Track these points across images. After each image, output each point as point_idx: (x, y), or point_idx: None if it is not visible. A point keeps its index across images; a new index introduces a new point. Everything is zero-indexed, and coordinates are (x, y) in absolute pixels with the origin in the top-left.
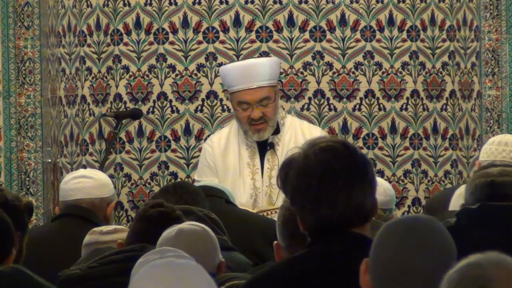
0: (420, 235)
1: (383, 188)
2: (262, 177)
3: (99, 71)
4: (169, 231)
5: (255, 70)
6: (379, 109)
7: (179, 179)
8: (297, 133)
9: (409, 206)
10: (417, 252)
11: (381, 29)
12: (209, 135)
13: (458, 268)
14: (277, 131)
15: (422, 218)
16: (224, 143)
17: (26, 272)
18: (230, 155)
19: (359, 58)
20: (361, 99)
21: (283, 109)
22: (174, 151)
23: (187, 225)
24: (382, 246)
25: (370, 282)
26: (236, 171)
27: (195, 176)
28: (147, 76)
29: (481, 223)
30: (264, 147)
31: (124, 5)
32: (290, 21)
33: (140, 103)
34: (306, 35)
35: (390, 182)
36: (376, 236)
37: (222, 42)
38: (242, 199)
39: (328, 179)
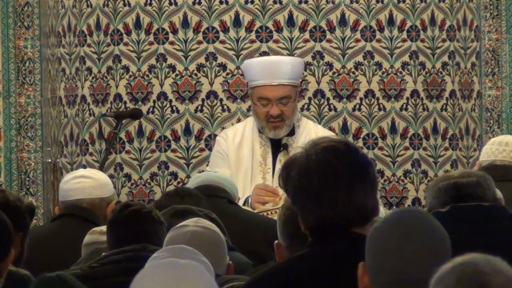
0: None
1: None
2: (273, 177)
3: (99, 71)
4: (181, 232)
5: (279, 67)
6: (379, 109)
7: (179, 179)
8: (311, 136)
9: (409, 206)
10: (419, 253)
11: (381, 29)
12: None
13: (451, 268)
14: (291, 132)
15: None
16: (239, 139)
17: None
18: (243, 151)
19: (359, 58)
20: (361, 99)
21: (299, 111)
22: (174, 151)
23: (199, 227)
24: (380, 253)
25: (369, 284)
26: (248, 169)
27: (207, 168)
28: (147, 76)
29: (452, 225)
30: (278, 148)
31: (124, 5)
32: (290, 21)
33: (140, 103)
34: (306, 35)
35: (390, 182)
36: (369, 241)
37: (222, 42)
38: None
39: (329, 179)
